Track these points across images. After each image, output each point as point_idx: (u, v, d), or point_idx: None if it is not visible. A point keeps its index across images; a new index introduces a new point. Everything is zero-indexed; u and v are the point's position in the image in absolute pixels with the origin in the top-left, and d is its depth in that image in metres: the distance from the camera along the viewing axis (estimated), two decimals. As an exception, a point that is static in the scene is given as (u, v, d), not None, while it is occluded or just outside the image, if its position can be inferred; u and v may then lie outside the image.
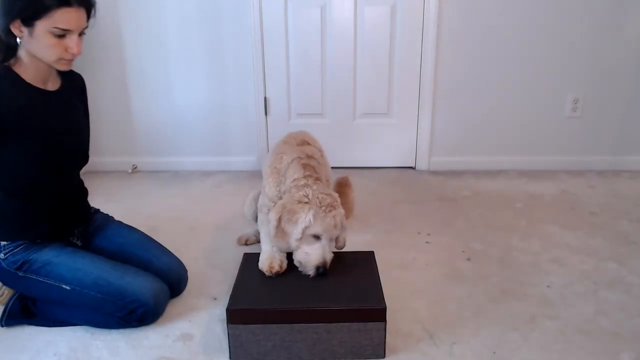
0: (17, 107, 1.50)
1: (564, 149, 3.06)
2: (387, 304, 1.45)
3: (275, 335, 1.45)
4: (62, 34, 1.46)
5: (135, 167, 3.16)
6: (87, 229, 1.80)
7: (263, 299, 1.49)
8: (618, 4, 2.80)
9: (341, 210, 1.63)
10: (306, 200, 1.60)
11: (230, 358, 1.49)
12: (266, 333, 1.45)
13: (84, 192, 1.82)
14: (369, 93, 3.03)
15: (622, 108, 2.98)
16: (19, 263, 1.58)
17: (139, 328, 1.62)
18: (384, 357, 1.48)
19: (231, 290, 1.53)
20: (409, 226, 2.35)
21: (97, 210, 1.89)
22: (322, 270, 1.57)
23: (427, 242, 2.20)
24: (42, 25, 1.43)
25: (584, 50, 2.88)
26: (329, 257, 1.59)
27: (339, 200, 1.66)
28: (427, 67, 2.93)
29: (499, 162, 3.09)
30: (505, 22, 2.85)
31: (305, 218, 1.56)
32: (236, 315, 1.45)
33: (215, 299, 1.80)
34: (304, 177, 1.68)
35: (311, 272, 1.57)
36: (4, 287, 1.70)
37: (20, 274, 1.59)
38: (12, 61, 1.53)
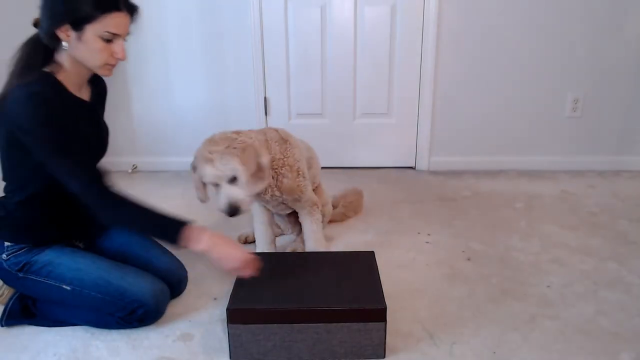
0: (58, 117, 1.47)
1: (564, 149, 3.06)
2: (387, 304, 1.45)
3: (275, 335, 1.45)
4: (110, 39, 1.45)
5: (135, 167, 3.16)
6: (88, 230, 1.80)
7: (263, 299, 1.49)
8: (618, 4, 2.80)
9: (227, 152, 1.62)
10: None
11: (230, 358, 1.49)
12: (266, 333, 1.45)
13: None
14: (369, 93, 3.03)
15: (622, 108, 2.98)
16: (21, 264, 1.58)
17: (139, 328, 1.62)
18: (384, 357, 1.48)
19: (231, 290, 1.53)
20: (409, 226, 2.35)
21: (98, 211, 1.89)
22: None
23: (427, 242, 2.20)
24: (93, 29, 1.42)
25: (584, 50, 2.88)
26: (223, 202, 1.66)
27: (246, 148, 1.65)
28: (427, 67, 2.93)
29: (499, 162, 3.09)
30: (505, 22, 2.85)
31: None
32: (236, 315, 1.45)
33: (215, 299, 1.80)
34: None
35: None
36: (4, 287, 1.70)
37: (21, 274, 1.59)
38: (53, 68, 1.49)
